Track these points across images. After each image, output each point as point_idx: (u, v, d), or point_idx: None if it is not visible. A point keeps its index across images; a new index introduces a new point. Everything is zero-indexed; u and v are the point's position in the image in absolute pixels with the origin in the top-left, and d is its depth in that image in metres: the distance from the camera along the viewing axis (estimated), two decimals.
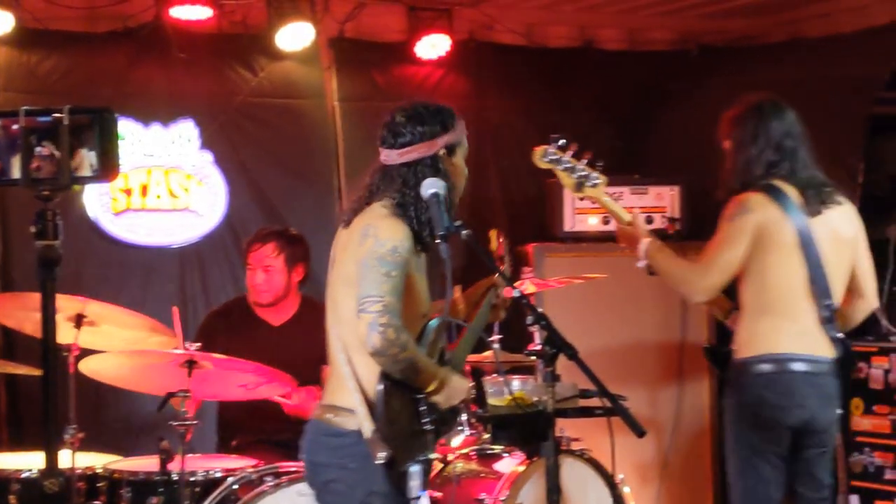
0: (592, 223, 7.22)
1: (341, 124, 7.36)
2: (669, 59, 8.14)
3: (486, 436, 5.52)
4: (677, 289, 4.83)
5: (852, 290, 4.80)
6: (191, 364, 4.90)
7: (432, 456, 3.86)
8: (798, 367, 4.59)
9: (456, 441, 5.53)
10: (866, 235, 4.89)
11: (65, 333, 5.03)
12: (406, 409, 3.74)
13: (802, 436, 4.66)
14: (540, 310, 3.79)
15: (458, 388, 3.86)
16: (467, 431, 5.37)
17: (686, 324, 7.26)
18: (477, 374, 5.61)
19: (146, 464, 5.16)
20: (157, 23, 6.90)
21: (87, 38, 6.91)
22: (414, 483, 3.65)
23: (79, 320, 5.09)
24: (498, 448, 5.56)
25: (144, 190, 6.91)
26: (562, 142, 4.79)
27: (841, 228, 4.73)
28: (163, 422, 5.05)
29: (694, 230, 6.94)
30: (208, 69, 7.14)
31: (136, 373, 5.17)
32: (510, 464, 5.45)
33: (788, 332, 4.63)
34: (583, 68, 7.94)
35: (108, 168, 3.10)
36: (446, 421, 3.90)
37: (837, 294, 4.70)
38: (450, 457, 5.49)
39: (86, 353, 5.13)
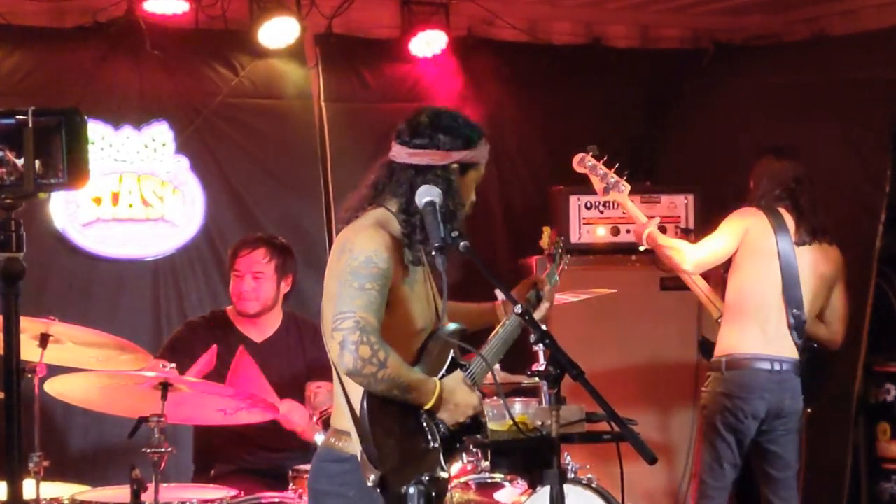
0: (601, 234, 7.21)
1: (328, 127, 7.34)
2: (682, 57, 8.16)
3: (486, 463, 5.50)
4: (671, 260, 5.99)
5: (823, 320, 6.03)
6: (165, 386, 4.88)
7: (443, 475, 3.85)
8: (761, 365, 5.82)
9: (453, 469, 5.51)
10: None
11: (29, 352, 5.00)
12: (400, 428, 3.76)
13: (766, 422, 5.86)
14: (543, 327, 3.77)
15: (464, 402, 3.85)
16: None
17: None
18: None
19: (116, 494, 5.12)
20: (129, 17, 6.89)
21: (54, 34, 6.91)
22: None
23: (44, 340, 5.07)
24: (498, 476, 5.53)
25: (115, 198, 6.90)
26: (595, 150, 6.01)
27: (820, 264, 5.96)
28: (134, 449, 5.03)
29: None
30: (184, 67, 7.13)
31: (106, 395, 5.14)
32: (511, 493, 5.43)
33: (757, 334, 5.85)
34: (590, 67, 7.96)
35: (76, 174, 3.07)
36: (457, 437, 3.90)
37: (808, 309, 5.88)
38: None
39: (51, 374, 5.10)
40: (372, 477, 3.65)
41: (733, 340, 5.90)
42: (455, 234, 3.74)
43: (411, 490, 3.64)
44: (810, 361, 5.92)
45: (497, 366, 5.57)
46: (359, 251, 3.75)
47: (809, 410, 6.05)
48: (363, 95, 7.43)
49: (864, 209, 6.96)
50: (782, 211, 5.94)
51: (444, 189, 3.85)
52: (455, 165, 3.91)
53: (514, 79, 7.83)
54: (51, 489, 5.21)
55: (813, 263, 5.92)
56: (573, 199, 7.27)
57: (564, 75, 7.91)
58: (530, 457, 5.64)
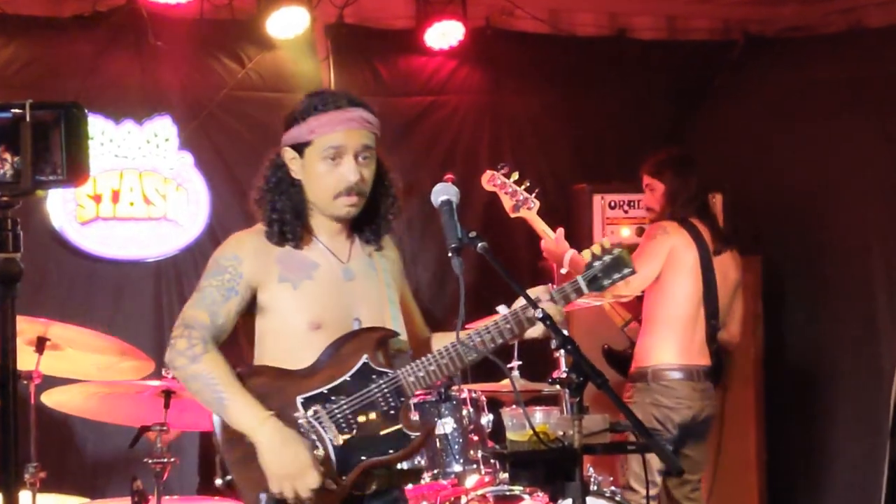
0: (625, 235, 7.20)
1: None
2: (711, 50, 8.14)
3: (504, 475, 5.50)
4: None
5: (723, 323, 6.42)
6: (168, 394, 4.88)
7: (332, 486, 3.73)
8: (685, 375, 6.14)
9: (470, 481, 5.51)
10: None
11: (25, 359, 5.00)
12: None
13: (688, 429, 6.18)
14: (565, 332, 3.76)
15: (296, 456, 3.67)
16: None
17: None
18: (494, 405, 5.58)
19: None
20: (130, 6, 6.89)
21: (51, 24, 6.90)
22: None
23: (41, 344, 5.07)
24: (518, 489, 5.54)
25: (116, 196, 6.89)
26: (505, 168, 5.99)
27: (731, 271, 6.38)
28: (136, 459, 5.03)
29: (738, 241, 6.86)
30: (188, 59, 7.14)
31: (106, 403, 5.16)
32: None
33: (679, 345, 6.18)
34: (614, 60, 7.94)
35: (76, 171, 3.07)
36: (356, 450, 3.79)
37: (721, 316, 6.32)
38: (463, 499, 5.47)
39: (48, 380, 5.11)
40: (218, 481, 3.74)
41: (657, 352, 6.20)
42: (472, 234, 3.71)
43: (262, 496, 3.63)
44: (715, 365, 6.31)
45: (516, 373, 5.60)
46: (213, 256, 3.92)
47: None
48: (376, 89, 7.42)
49: None
50: (696, 223, 6.29)
51: (283, 178, 4.03)
52: (286, 149, 4.05)
53: (534, 72, 7.82)
54: (48, 501, 5.22)
55: (725, 271, 6.32)
56: (597, 198, 7.28)
57: (587, 69, 7.90)
58: (551, 468, 5.59)
